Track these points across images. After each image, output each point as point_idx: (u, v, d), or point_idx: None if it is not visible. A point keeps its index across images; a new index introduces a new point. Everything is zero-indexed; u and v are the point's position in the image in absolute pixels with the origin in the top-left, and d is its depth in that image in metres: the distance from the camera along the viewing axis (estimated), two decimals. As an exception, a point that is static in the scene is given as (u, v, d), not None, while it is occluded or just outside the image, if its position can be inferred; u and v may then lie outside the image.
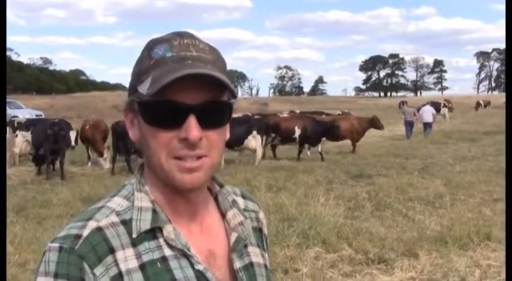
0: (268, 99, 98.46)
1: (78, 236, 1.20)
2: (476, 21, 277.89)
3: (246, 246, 1.43)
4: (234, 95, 1.30)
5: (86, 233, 1.20)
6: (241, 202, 1.53)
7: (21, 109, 42.44)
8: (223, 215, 1.44)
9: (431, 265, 6.93)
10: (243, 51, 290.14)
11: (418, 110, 30.84)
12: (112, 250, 1.21)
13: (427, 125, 30.00)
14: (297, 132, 20.04)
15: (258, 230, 1.55)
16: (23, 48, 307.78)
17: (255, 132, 18.05)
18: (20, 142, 18.17)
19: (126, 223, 1.26)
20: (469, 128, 32.45)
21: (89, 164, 19.08)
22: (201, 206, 1.38)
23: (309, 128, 19.95)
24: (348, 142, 22.45)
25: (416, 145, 24.46)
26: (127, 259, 1.22)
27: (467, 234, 7.87)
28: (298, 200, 9.99)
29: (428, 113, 30.52)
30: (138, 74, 1.28)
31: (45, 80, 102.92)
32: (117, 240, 1.23)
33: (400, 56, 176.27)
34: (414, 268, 6.85)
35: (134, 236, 1.25)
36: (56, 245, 1.19)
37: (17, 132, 18.53)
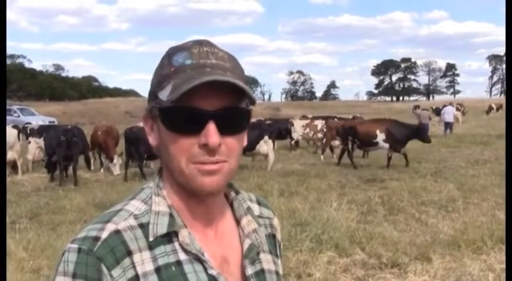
0: (281, 104, 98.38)
1: (97, 238, 1.22)
2: (488, 24, 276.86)
3: (258, 253, 1.44)
4: (252, 102, 1.33)
5: (104, 235, 1.23)
6: (256, 208, 1.56)
7: (34, 116, 42.68)
8: (237, 222, 1.46)
9: (444, 269, 6.90)
10: (255, 56, 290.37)
11: (440, 110, 31.15)
12: (129, 253, 1.24)
13: (447, 125, 30.29)
14: (379, 136, 18.82)
15: (272, 237, 1.57)
16: (36, 55, 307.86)
17: (266, 138, 18.06)
18: (32, 149, 18.26)
19: (144, 226, 1.29)
20: (482, 131, 32.26)
21: (102, 170, 19.14)
22: (216, 211, 1.41)
23: (394, 131, 18.63)
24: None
25: (429, 148, 24.30)
26: (144, 261, 1.25)
27: (481, 238, 7.83)
28: (310, 204, 9.98)
29: (449, 113, 30.99)
30: (159, 81, 1.30)
31: (58, 87, 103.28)
32: (134, 243, 1.26)
33: (412, 60, 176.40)
34: (427, 272, 6.82)
35: (151, 239, 1.27)
36: (75, 246, 1.22)
37: (30, 138, 18.62)
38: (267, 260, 1.47)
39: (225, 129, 1.26)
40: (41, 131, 18.36)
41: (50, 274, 6.70)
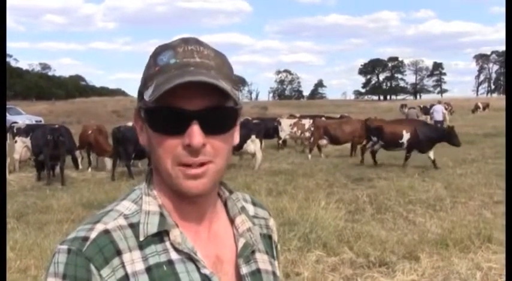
0: (268, 103, 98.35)
1: (85, 239, 1.22)
2: (475, 24, 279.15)
3: (253, 252, 1.43)
4: (234, 102, 1.30)
5: (93, 235, 1.23)
6: (251, 208, 1.54)
7: (21, 115, 42.51)
8: (232, 221, 1.45)
9: (432, 267, 6.92)
10: (242, 55, 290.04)
11: (429, 109, 31.38)
12: (119, 252, 1.23)
13: (437, 124, 30.55)
14: (405, 136, 18.17)
15: (268, 238, 1.55)
16: (23, 54, 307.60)
17: (253, 137, 18.07)
18: (19, 148, 18.16)
19: (134, 226, 1.28)
20: (469, 130, 32.33)
21: (89, 169, 19.08)
22: (209, 211, 1.39)
23: (421, 132, 17.85)
24: (347, 145, 22.43)
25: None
26: (134, 261, 1.24)
27: (468, 237, 7.86)
28: (298, 204, 9.97)
29: (439, 112, 31.36)
30: (145, 81, 1.29)
31: (44, 86, 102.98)
32: (124, 243, 1.25)
33: (400, 59, 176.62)
34: (415, 271, 6.83)
35: (141, 239, 1.26)
36: (65, 247, 1.22)
37: (17, 138, 18.51)
38: (263, 260, 1.46)
39: (210, 130, 1.25)
40: (27, 131, 18.26)
41: (38, 274, 6.70)
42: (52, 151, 15.73)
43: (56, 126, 17.71)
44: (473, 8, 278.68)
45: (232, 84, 1.29)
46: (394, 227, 9.22)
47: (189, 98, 1.23)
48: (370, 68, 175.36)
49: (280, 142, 25.97)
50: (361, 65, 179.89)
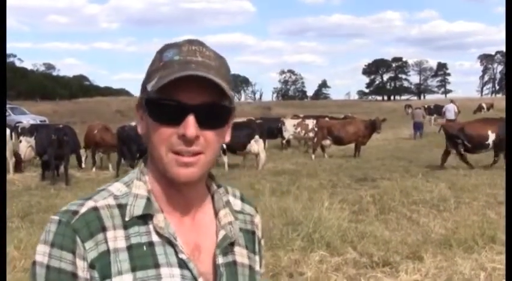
0: (272, 104, 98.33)
1: (75, 212, 1.33)
2: (479, 24, 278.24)
3: (233, 245, 1.51)
4: (230, 101, 1.41)
5: (83, 210, 1.34)
6: (238, 203, 1.62)
7: (25, 115, 42.54)
8: (216, 214, 1.53)
9: (436, 268, 6.92)
10: (246, 55, 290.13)
11: (433, 108, 31.65)
12: (104, 229, 1.33)
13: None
14: (491, 137, 17.20)
15: (251, 233, 1.62)
16: (27, 55, 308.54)
17: (257, 137, 18.09)
18: (24, 148, 18.19)
19: (122, 207, 1.38)
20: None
21: (93, 169, 19.11)
22: (196, 201, 1.49)
23: (501, 131, 16.38)
24: (351, 145, 22.42)
25: (420, 148, 24.45)
26: (116, 238, 1.34)
27: (472, 237, 7.85)
28: (302, 204, 9.97)
29: (451, 111, 31.63)
30: (149, 74, 1.40)
31: (48, 86, 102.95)
32: (110, 220, 1.35)
33: (404, 59, 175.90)
34: (419, 271, 6.83)
35: (127, 219, 1.36)
36: (56, 218, 1.34)
37: (21, 138, 18.56)
38: (241, 254, 1.53)
39: (204, 123, 1.35)
40: (32, 130, 18.28)
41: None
42: (56, 150, 15.74)
43: (60, 126, 17.72)
44: (478, 8, 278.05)
45: (229, 85, 1.37)
46: (397, 227, 9.21)
47: (189, 92, 1.33)
48: (374, 68, 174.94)
49: (284, 142, 25.99)
50: (365, 65, 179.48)
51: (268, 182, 13.80)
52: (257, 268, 1.60)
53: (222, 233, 1.48)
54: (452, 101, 35.36)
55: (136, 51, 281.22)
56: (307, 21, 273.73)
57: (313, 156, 21.34)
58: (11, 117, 38.77)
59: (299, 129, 25.38)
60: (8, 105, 45.12)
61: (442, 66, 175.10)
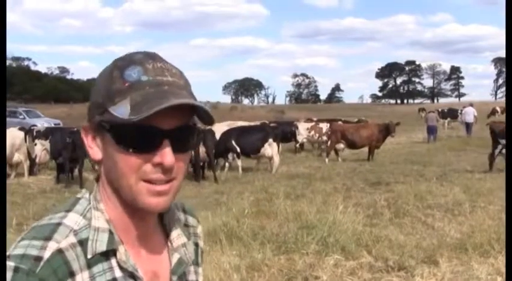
0: (285, 107, 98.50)
1: (38, 258, 1.18)
2: (493, 27, 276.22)
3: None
4: (211, 120, 1.32)
5: (47, 255, 1.19)
6: (182, 217, 1.56)
7: (40, 118, 42.67)
8: (167, 234, 1.47)
9: (451, 272, 6.88)
10: (259, 59, 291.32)
11: (447, 112, 31.91)
12: (72, 274, 1.22)
13: (468, 126, 30.98)
14: None
15: (195, 245, 1.58)
16: (41, 58, 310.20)
17: (271, 140, 18.06)
18: (39, 151, 18.27)
19: (82, 243, 1.26)
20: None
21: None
22: (152, 226, 1.41)
23: None
24: (365, 149, 22.37)
25: (434, 152, 24.36)
26: None
27: (488, 241, 7.80)
28: (316, 207, 9.96)
29: (470, 114, 31.91)
30: (109, 95, 1.26)
31: (62, 89, 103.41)
32: (76, 263, 1.23)
33: (417, 62, 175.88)
34: (434, 275, 6.80)
35: (89, 257, 1.25)
36: (12, 264, 1.16)
37: (36, 141, 18.64)
38: (192, 272, 1.51)
39: (178, 148, 1.27)
40: (47, 134, 18.35)
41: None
42: (71, 153, 15.80)
43: (75, 129, 17.78)
44: (491, 11, 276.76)
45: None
46: (412, 231, 9.18)
47: (162, 117, 1.22)
48: (387, 71, 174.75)
49: (298, 145, 25.97)
50: (378, 69, 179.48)
51: (282, 186, 13.80)
52: (200, 280, 1.57)
53: (176, 256, 1.43)
54: (471, 105, 35.42)
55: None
56: (320, 24, 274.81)
57: (326, 160, 21.30)
58: (26, 120, 38.94)
59: (312, 132, 25.35)
60: (22, 109, 45.49)
61: (455, 70, 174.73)
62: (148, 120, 1.20)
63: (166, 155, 1.23)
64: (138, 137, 1.23)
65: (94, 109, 1.30)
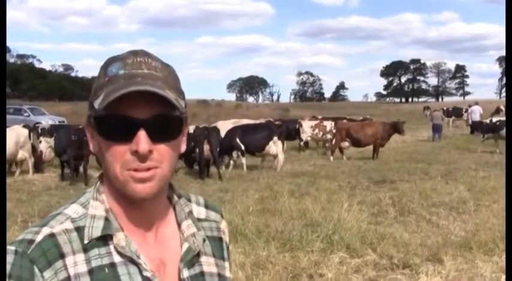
0: (290, 105, 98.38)
1: (31, 242, 1.28)
2: (498, 26, 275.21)
3: (199, 256, 1.49)
4: (180, 111, 1.37)
5: (39, 238, 1.29)
6: (203, 211, 1.60)
7: (44, 116, 42.77)
8: (179, 225, 1.51)
9: (456, 270, 6.89)
10: (264, 57, 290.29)
11: (452, 110, 32.03)
12: (62, 255, 1.29)
13: (475, 124, 31.13)
14: None
15: (218, 240, 1.60)
16: (46, 56, 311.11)
17: (275, 138, 18.05)
18: (43, 148, 18.30)
19: (80, 230, 1.34)
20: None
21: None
22: (157, 215, 1.46)
23: None
24: (369, 147, 22.34)
25: (439, 150, 24.33)
26: (77, 263, 1.30)
27: (493, 240, 7.81)
28: (321, 205, 9.98)
29: (476, 112, 32.20)
30: (95, 91, 1.36)
31: (67, 87, 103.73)
32: (68, 246, 1.31)
33: (422, 61, 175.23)
34: (439, 273, 6.81)
35: (86, 242, 1.32)
36: (13, 248, 1.28)
37: (41, 138, 18.66)
38: (208, 263, 1.52)
39: (156, 137, 1.32)
40: (51, 131, 18.39)
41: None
42: (76, 151, 15.81)
43: (80, 126, 17.81)
44: (496, 10, 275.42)
45: (177, 94, 1.37)
46: (417, 229, 9.19)
47: (136, 107, 1.30)
48: (392, 70, 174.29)
49: (302, 143, 25.96)
50: (383, 67, 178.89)
51: (286, 184, 13.83)
52: (227, 274, 1.59)
53: (185, 245, 1.46)
54: (477, 103, 35.43)
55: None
56: (325, 22, 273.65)
57: (331, 158, 21.29)
58: (30, 117, 39.07)
59: (317, 130, 25.33)
60: (27, 106, 45.62)
61: (460, 69, 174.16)
62: (124, 111, 1.29)
63: (140, 142, 1.28)
64: (114, 127, 1.31)
65: (88, 106, 1.40)
